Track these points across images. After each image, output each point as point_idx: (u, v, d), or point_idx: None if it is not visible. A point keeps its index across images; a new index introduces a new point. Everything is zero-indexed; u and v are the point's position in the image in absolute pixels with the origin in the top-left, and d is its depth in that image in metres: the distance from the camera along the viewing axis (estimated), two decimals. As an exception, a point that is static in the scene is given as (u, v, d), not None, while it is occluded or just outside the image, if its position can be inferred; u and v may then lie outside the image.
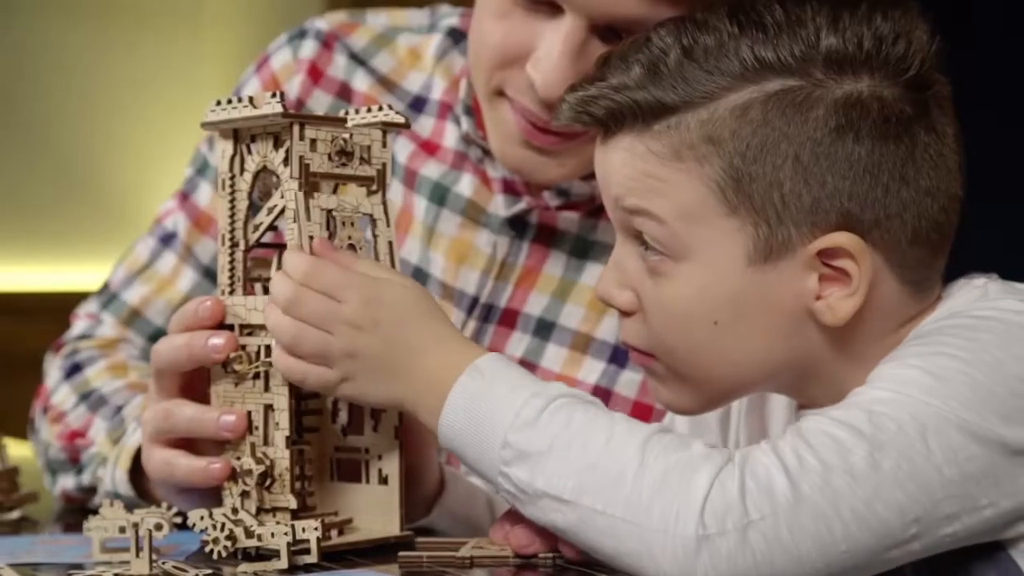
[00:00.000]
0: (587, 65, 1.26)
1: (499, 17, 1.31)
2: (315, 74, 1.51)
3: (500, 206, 1.43)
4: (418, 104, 1.49)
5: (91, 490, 1.41)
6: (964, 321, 1.07)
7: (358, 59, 1.51)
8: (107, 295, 1.56)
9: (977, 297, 1.11)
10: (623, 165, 1.11)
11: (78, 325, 1.57)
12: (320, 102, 1.50)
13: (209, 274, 1.52)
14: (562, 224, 1.43)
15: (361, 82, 1.50)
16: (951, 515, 1.01)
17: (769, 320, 1.09)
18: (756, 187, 1.07)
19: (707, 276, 1.09)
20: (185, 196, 1.55)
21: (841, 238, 1.07)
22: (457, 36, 1.51)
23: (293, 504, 1.13)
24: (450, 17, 1.53)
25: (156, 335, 1.52)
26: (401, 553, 1.12)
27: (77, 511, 1.42)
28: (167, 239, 1.55)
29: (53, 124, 3.30)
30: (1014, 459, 1.02)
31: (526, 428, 1.04)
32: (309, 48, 1.51)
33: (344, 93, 1.50)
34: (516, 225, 1.43)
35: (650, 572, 1.01)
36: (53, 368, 1.53)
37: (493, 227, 1.43)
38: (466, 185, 1.44)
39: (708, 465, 1.00)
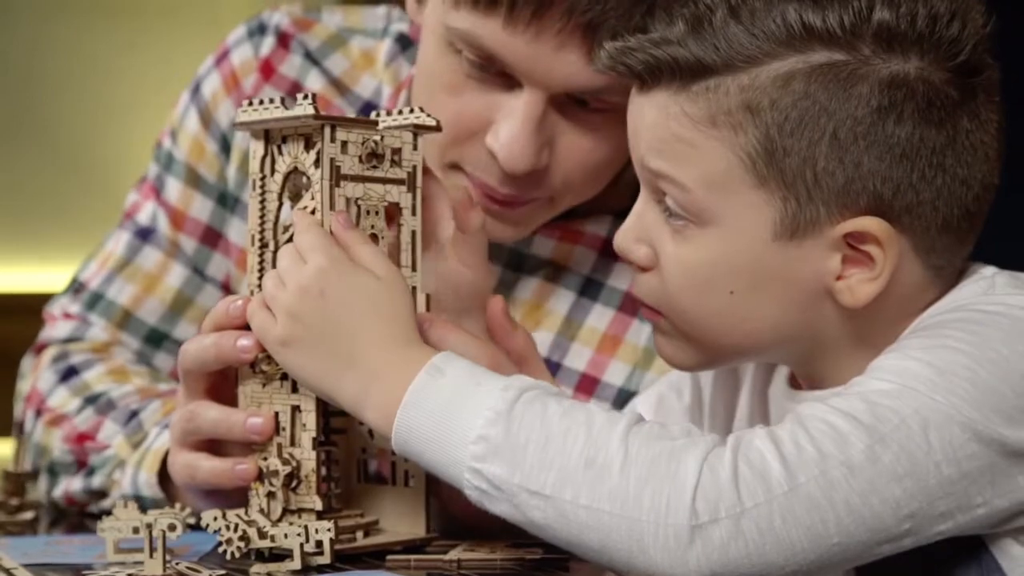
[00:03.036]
0: (547, 135, 1.27)
1: (451, 92, 1.28)
2: (267, 71, 1.50)
3: None
4: (368, 110, 1.47)
5: (100, 493, 1.41)
6: (970, 315, 1.05)
7: (312, 58, 1.51)
8: (89, 295, 1.54)
9: (984, 290, 1.09)
10: (654, 124, 1.09)
11: (61, 326, 1.55)
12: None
13: (196, 270, 1.52)
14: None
15: (314, 82, 1.50)
16: (945, 513, 1.00)
17: (786, 294, 1.08)
18: (789, 161, 1.05)
19: (729, 245, 1.08)
20: (157, 192, 1.54)
21: (870, 223, 1.05)
22: (405, 42, 1.50)
23: (319, 505, 1.12)
24: (400, 23, 1.52)
25: (151, 335, 1.52)
26: (389, 557, 1.12)
27: (74, 515, 1.42)
28: (144, 234, 1.53)
29: (64, 124, 3.30)
30: (1012, 459, 1.01)
31: (500, 421, 1.01)
32: (267, 45, 1.51)
33: (295, 92, 1.48)
34: None
35: (640, 564, 0.99)
36: (44, 371, 1.51)
37: None
38: None
39: (694, 450, 0.99)
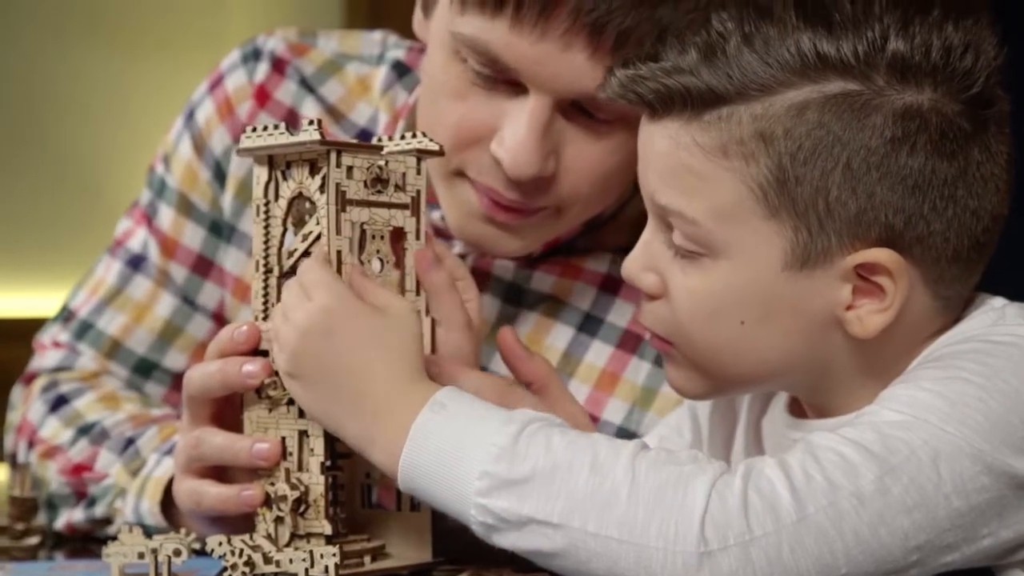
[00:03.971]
0: (554, 143, 1.26)
1: (457, 97, 1.28)
2: (262, 97, 1.49)
3: None
4: (364, 137, 1.46)
5: (103, 522, 1.40)
6: (980, 346, 1.05)
7: (308, 85, 1.50)
8: (78, 323, 1.53)
9: (994, 320, 1.09)
10: (665, 155, 1.09)
11: (50, 355, 1.54)
12: None
13: (186, 300, 1.51)
14: (496, 270, 1.42)
15: (310, 110, 1.49)
16: (952, 545, 1.00)
17: (796, 324, 1.08)
18: (801, 191, 1.05)
19: (739, 276, 1.07)
20: (148, 220, 1.53)
21: (881, 255, 1.05)
22: (401, 70, 1.49)
23: (328, 530, 1.12)
24: (396, 49, 1.52)
25: (140, 365, 1.51)
26: None
27: (80, 540, 1.41)
28: (135, 262, 1.52)
29: (65, 149, 3.31)
30: (1020, 492, 1.01)
31: (504, 456, 1.01)
32: (262, 71, 1.50)
33: (291, 120, 1.48)
34: None
35: None
36: (35, 402, 1.50)
37: None
38: None
39: (703, 477, 0.99)
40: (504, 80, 1.26)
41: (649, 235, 1.12)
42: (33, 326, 1.61)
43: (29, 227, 3.29)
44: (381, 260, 1.15)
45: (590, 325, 1.42)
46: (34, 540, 1.37)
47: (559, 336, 1.42)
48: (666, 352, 1.14)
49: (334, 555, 1.09)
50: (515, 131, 1.25)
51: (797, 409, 1.17)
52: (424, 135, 1.17)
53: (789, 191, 1.05)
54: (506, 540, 1.02)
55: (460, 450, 1.03)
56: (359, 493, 1.19)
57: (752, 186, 1.05)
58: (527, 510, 1.00)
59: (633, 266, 1.13)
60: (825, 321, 1.08)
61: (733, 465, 1.02)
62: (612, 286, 1.41)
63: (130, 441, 1.40)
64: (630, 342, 1.40)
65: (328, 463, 1.13)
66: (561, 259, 1.42)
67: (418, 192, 1.17)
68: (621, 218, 1.40)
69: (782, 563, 0.98)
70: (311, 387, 1.09)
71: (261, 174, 1.16)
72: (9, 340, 2.07)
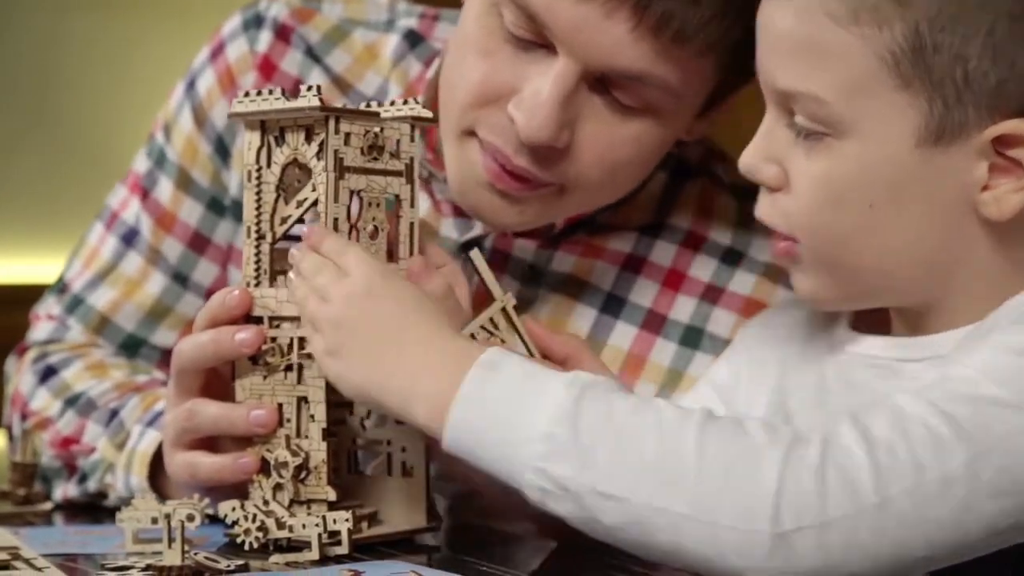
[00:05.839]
0: (573, 115, 1.21)
1: (483, 54, 1.23)
2: (267, 69, 1.45)
3: (452, 230, 1.39)
4: None
5: (98, 495, 1.38)
6: None
7: (314, 55, 1.46)
8: (70, 297, 1.51)
9: None
10: (789, 32, 1.03)
11: (42, 328, 1.52)
12: None
13: (178, 277, 1.48)
14: (517, 251, 1.39)
15: (316, 81, 1.44)
16: None
17: (929, 207, 1.02)
18: (938, 59, 0.99)
19: (869, 154, 1.01)
20: (145, 192, 1.50)
21: (1022, 127, 0.99)
22: (414, 39, 1.45)
23: (332, 496, 1.12)
24: (408, 17, 1.47)
25: (127, 341, 1.49)
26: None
27: (93, 505, 1.40)
28: (129, 237, 1.50)
29: (85, 116, 3.30)
30: None
31: (565, 419, 0.97)
32: (265, 40, 1.46)
33: (297, 90, 1.44)
34: (469, 248, 1.35)
35: (716, 567, 0.95)
36: (25, 373, 1.49)
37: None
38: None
39: (774, 451, 0.94)
40: (536, 43, 1.21)
41: (769, 123, 1.06)
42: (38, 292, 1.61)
43: (35, 194, 3.29)
44: (377, 228, 1.15)
45: (612, 306, 1.38)
46: (48, 506, 1.38)
47: (581, 318, 1.38)
48: (790, 253, 1.07)
49: (347, 520, 1.09)
50: (536, 92, 1.21)
51: (865, 327, 1.11)
52: (416, 101, 1.16)
53: (925, 59, 0.99)
54: (562, 508, 0.98)
55: (516, 411, 0.98)
56: (346, 459, 1.19)
57: (884, 54, 1.00)
58: (588, 479, 0.96)
59: (753, 158, 1.06)
60: (959, 204, 1.02)
61: (827, 428, 0.97)
62: (634, 265, 1.38)
63: (114, 412, 1.38)
64: (654, 322, 1.37)
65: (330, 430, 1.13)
66: (583, 238, 1.38)
67: (411, 159, 1.17)
68: (643, 195, 1.37)
69: (859, 546, 0.93)
70: (352, 355, 1.06)
71: (252, 139, 1.15)
72: (16, 306, 2.08)
